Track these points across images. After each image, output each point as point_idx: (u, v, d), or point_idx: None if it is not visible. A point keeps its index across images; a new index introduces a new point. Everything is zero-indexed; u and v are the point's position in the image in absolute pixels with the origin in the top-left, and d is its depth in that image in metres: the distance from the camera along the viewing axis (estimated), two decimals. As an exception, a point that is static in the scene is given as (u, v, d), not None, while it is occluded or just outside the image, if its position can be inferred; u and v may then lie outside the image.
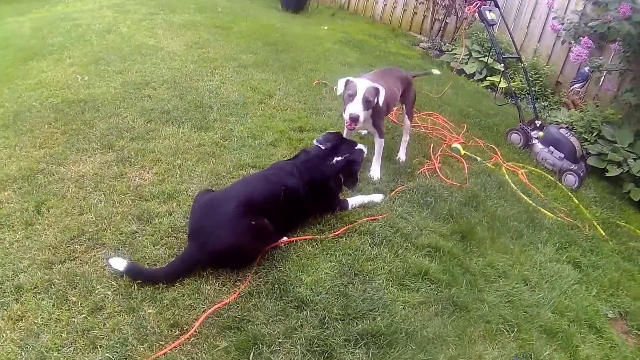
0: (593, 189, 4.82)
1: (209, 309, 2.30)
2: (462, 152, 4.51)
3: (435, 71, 5.04)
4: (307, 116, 4.50)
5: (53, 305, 2.26)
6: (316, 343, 2.24)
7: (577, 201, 4.47)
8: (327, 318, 2.37)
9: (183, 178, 3.28)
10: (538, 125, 5.30)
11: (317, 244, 2.85)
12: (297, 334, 2.26)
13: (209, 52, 5.69)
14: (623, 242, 4.09)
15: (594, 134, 5.37)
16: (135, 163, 3.39)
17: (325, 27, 8.63)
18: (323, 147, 3.04)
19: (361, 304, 2.51)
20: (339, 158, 3.01)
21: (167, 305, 2.30)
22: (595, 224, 4.17)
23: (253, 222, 2.50)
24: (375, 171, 3.73)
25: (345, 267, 2.72)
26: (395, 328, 2.43)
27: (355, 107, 3.10)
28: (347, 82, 3.25)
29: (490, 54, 7.06)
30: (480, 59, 7.52)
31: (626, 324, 3.21)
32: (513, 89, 6.15)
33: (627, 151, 4.95)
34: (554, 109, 6.64)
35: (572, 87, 6.67)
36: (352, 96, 3.14)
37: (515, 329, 2.74)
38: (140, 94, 4.40)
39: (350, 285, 2.62)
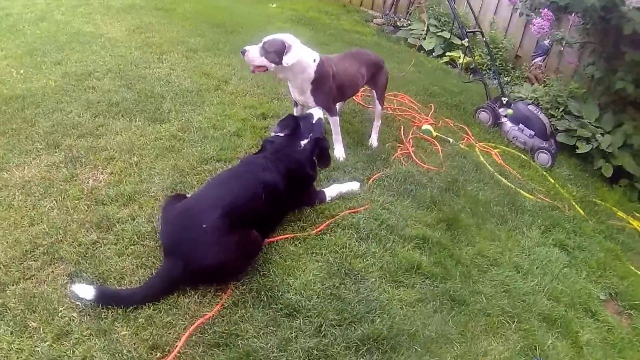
0: (566, 166, 5.01)
1: (191, 325, 2.12)
2: (434, 133, 4.52)
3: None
4: (268, 102, 4.33)
5: (11, 334, 2.00)
6: (315, 354, 2.10)
7: (552, 180, 4.62)
8: (323, 325, 2.24)
9: (142, 177, 3.04)
10: (505, 102, 5.43)
11: (299, 243, 2.70)
12: (292, 346, 2.12)
13: (154, 36, 5.41)
14: (602, 220, 4.27)
15: (561, 110, 5.56)
16: (86, 163, 3.11)
17: (274, 5, 8.45)
18: (283, 135, 2.92)
19: (357, 307, 2.40)
20: (306, 140, 2.90)
21: (143, 324, 2.08)
22: (574, 203, 4.34)
23: (241, 236, 2.33)
24: (338, 151, 3.69)
25: (334, 266, 2.60)
26: (396, 330, 2.35)
27: (250, 46, 3.17)
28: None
29: (451, 27, 7.21)
30: (438, 34, 7.60)
31: (617, 304, 3.34)
32: (477, 65, 6.32)
33: (594, 126, 5.18)
34: (517, 84, 6.84)
35: (533, 61, 6.94)
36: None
37: (516, 320, 2.76)
38: (84, 86, 4.06)
39: (342, 286, 2.51)
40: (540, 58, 6.83)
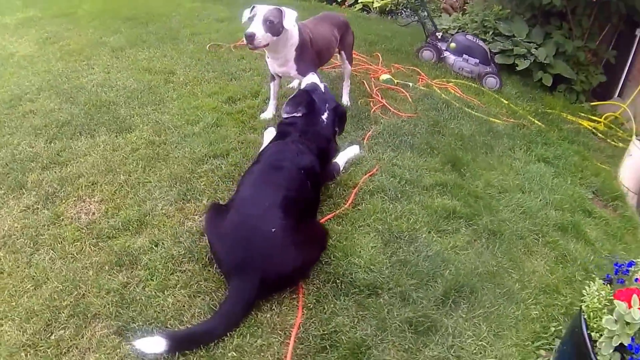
0: (510, 85, 5.39)
1: (288, 340, 2.02)
2: (395, 81, 4.64)
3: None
4: (227, 84, 4.13)
5: None
6: (415, 322, 2.18)
7: (505, 101, 4.97)
8: (406, 292, 2.31)
9: (141, 196, 2.77)
10: (440, 37, 5.67)
11: (342, 220, 2.72)
12: (391, 322, 2.16)
13: (69, 44, 4.96)
14: (560, 127, 4.72)
15: (490, 33, 5.93)
16: (66, 197, 2.74)
17: None
18: (301, 114, 2.82)
19: (424, 265, 2.49)
20: (326, 114, 2.84)
21: (236, 357, 1.94)
22: (531, 118, 4.73)
23: (309, 229, 2.27)
24: None
25: (385, 233, 2.65)
26: (464, 275, 2.48)
27: (253, 27, 3.05)
28: (252, 8, 3.19)
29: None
30: None
31: (601, 199, 3.77)
32: (392, 6, 6.47)
33: (527, 42, 5.60)
34: (435, 16, 7.15)
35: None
36: (252, 18, 3.11)
37: (540, 236, 3.02)
38: (20, 112, 3.58)
39: (401, 250, 2.57)
40: (451, -14, 7.13)
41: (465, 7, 6.74)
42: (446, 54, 5.40)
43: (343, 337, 2.06)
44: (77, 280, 2.24)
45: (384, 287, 2.33)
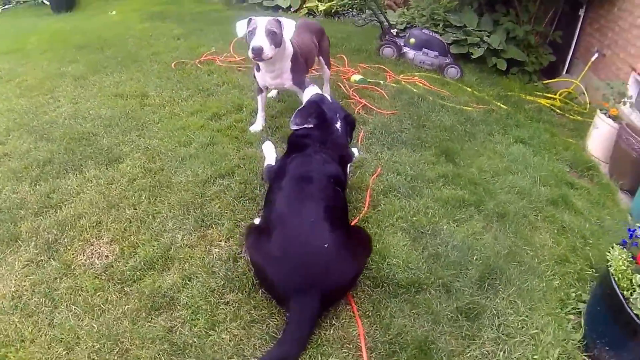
0: (469, 73, 5.68)
1: (360, 351, 2.05)
2: (368, 79, 4.77)
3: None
4: (206, 101, 4.09)
5: None
6: (466, 310, 2.29)
7: (469, 89, 5.25)
8: (447, 284, 2.43)
9: (155, 229, 2.67)
10: (395, 33, 5.88)
11: (367, 224, 2.78)
12: (444, 314, 2.25)
13: (26, 79, 4.77)
14: (523, 108, 5.05)
15: (441, 25, 6.22)
16: (70, 243, 2.56)
17: (114, 12, 8.12)
18: (312, 125, 2.76)
19: (454, 254, 2.61)
20: (339, 123, 2.89)
21: None
22: (495, 102, 5.02)
23: (355, 237, 2.28)
24: None
25: (410, 231, 2.74)
26: (492, 259, 2.63)
27: (258, 39, 3.02)
28: (249, 21, 3.14)
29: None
30: None
31: (576, 171, 4.08)
32: (337, 8, 6.63)
33: (478, 31, 5.93)
34: (381, 13, 7.36)
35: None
36: (253, 31, 3.07)
37: (538, 212, 3.24)
38: None
39: (429, 244, 2.67)
40: (393, -17, 7.38)
41: (410, 2, 6.99)
42: (405, 49, 5.61)
43: (407, 338, 2.13)
44: (113, 334, 2.08)
45: (426, 282, 2.42)
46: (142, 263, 2.44)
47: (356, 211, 2.88)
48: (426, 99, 4.58)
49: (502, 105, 4.91)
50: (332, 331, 2.15)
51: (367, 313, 2.24)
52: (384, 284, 2.38)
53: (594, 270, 2.75)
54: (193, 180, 3.09)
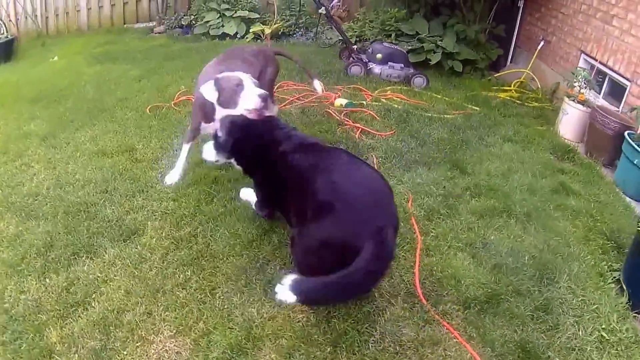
0: (432, 80, 6.13)
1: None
2: (354, 102, 5.04)
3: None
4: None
5: None
6: (543, 306, 2.63)
7: (439, 96, 5.68)
8: (518, 289, 2.74)
9: (221, 307, 2.57)
10: (356, 49, 6.21)
11: (429, 251, 3.02)
12: (529, 315, 2.57)
13: None
14: (491, 106, 5.54)
15: (393, 35, 6.63)
16: (124, 346, 2.37)
17: (56, 58, 7.84)
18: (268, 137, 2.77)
19: (509, 260, 2.90)
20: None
21: None
22: (466, 105, 5.48)
23: None
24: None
25: (466, 249, 3.01)
26: (539, 256, 2.99)
27: (256, 90, 2.99)
28: (216, 80, 3.07)
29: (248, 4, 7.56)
30: (234, 15, 7.84)
31: (557, 157, 4.59)
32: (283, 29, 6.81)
33: (430, 37, 6.38)
34: (328, 29, 7.69)
35: (332, 4, 7.79)
36: (240, 86, 3.01)
37: (549, 203, 3.64)
38: None
39: (486, 257, 2.93)
40: (335, 1, 7.71)
41: (356, 15, 7.34)
42: (371, 65, 5.93)
43: (511, 345, 2.40)
44: None
45: (501, 292, 2.72)
46: (229, 351, 2.29)
47: (408, 242, 3.09)
48: (412, 113, 4.93)
49: (474, 107, 5.37)
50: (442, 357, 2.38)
51: (471, 335, 2.51)
52: (471, 305, 2.66)
53: (612, 242, 3.24)
54: (238, 242, 2.96)
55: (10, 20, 9.23)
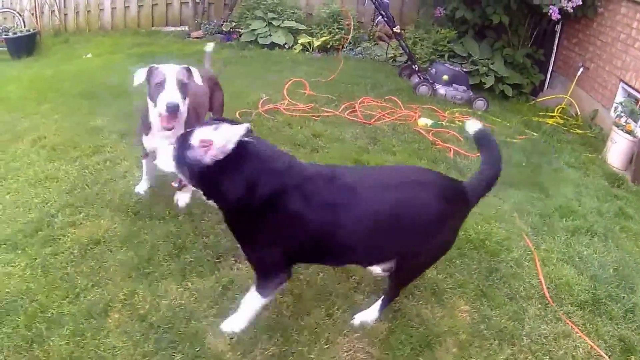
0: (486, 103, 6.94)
1: None
2: (440, 122, 5.76)
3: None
4: (323, 159, 4.81)
5: None
6: (633, 309, 3.44)
7: (498, 119, 6.49)
8: (612, 295, 3.45)
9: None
10: (416, 69, 6.96)
11: (542, 262, 3.88)
12: (627, 316, 3.35)
13: (44, 135, 4.68)
14: (545, 131, 6.42)
15: (446, 56, 7.41)
16: None
17: (89, 55, 8.12)
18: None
19: (600, 271, 3.73)
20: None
21: None
22: (525, 129, 6.34)
23: None
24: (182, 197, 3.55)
25: (569, 261, 3.81)
26: (620, 268, 3.78)
27: (171, 94, 2.73)
28: (150, 70, 2.86)
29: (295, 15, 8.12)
30: (281, 25, 8.39)
31: (610, 184, 5.42)
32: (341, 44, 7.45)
33: (482, 59, 7.19)
34: (374, 45, 8.40)
35: (376, 21, 8.49)
36: (161, 83, 2.77)
37: (617, 226, 4.50)
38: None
39: (585, 269, 3.73)
40: (380, 16, 8.38)
41: (402, 33, 8.00)
42: (437, 85, 6.69)
43: (615, 340, 3.08)
44: None
45: (601, 296, 3.40)
46: (418, 347, 2.76)
47: (528, 254, 3.88)
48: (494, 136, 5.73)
49: (532, 132, 6.22)
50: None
51: (589, 330, 3.22)
52: (583, 306, 3.36)
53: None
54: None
55: (32, 14, 9.41)
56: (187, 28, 9.27)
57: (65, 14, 9.61)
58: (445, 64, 6.83)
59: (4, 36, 8.74)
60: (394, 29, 6.75)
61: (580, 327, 3.23)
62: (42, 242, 3.25)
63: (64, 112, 5.31)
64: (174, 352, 2.50)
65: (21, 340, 2.53)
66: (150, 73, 2.85)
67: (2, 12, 9.57)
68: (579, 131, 6.69)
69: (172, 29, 9.47)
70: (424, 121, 5.64)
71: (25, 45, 8.81)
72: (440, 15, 7.71)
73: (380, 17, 8.18)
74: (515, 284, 3.45)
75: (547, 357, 2.92)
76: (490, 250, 3.73)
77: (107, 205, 3.63)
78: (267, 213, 2.17)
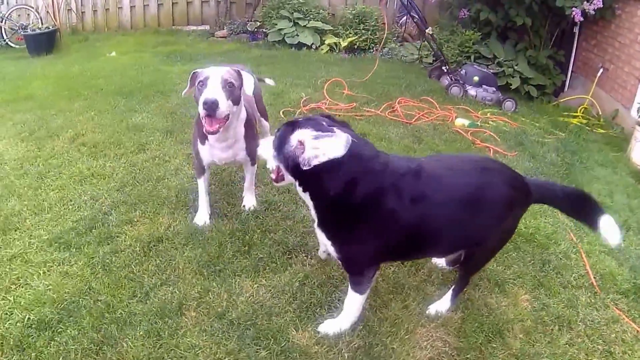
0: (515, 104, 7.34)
1: None
2: (476, 122, 6.10)
3: (270, 82, 4.77)
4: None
5: None
6: None
7: (527, 119, 6.88)
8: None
9: None
10: (448, 71, 7.36)
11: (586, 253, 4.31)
12: None
13: (81, 132, 4.82)
14: (571, 131, 6.84)
15: (472, 58, 7.82)
16: None
17: (113, 53, 8.34)
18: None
19: (637, 263, 4.25)
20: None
21: None
22: (552, 130, 6.75)
23: None
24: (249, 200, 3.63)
25: (609, 254, 4.20)
26: None
27: (211, 91, 2.59)
28: (195, 74, 2.80)
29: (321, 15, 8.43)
30: (307, 25, 8.71)
31: (637, 181, 5.90)
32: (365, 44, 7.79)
33: (506, 61, 7.60)
34: (400, 45, 8.78)
35: (400, 22, 8.86)
36: (204, 82, 2.66)
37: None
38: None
39: (623, 260, 4.22)
40: (406, 17, 8.76)
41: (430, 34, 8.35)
42: (467, 86, 7.09)
43: None
44: None
45: None
46: (490, 334, 3.04)
47: (574, 246, 4.31)
48: (520, 135, 6.15)
49: (559, 132, 6.64)
50: None
51: (634, 316, 3.58)
52: (627, 294, 3.71)
53: None
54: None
55: (48, 12, 9.60)
56: (208, 27, 9.50)
57: (83, 12, 9.85)
58: (474, 66, 7.22)
59: (22, 33, 8.89)
60: (427, 31, 7.08)
61: (626, 314, 3.60)
62: (98, 240, 3.27)
63: (101, 109, 5.42)
64: (258, 349, 2.55)
65: (89, 342, 2.50)
66: (194, 77, 2.77)
67: (18, 8, 9.73)
68: (602, 130, 7.10)
69: (194, 28, 9.75)
70: (461, 121, 5.98)
71: (45, 43, 8.98)
72: (464, 17, 8.05)
73: (405, 17, 8.62)
74: (566, 274, 3.82)
75: (601, 340, 3.27)
76: (541, 244, 4.09)
77: (163, 203, 3.68)
78: (365, 211, 2.27)
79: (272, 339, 2.60)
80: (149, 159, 4.29)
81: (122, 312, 2.71)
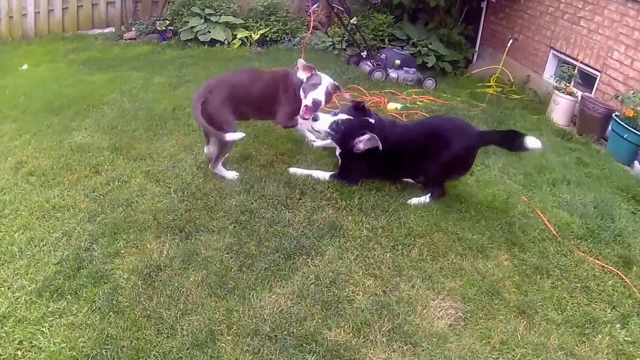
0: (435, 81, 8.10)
1: None
2: (407, 105, 6.67)
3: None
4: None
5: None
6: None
7: (448, 95, 7.66)
8: None
9: None
10: (370, 56, 7.91)
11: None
12: (607, 234, 4.69)
13: (24, 159, 4.68)
14: (489, 101, 7.67)
15: (386, 41, 8.48)
16: None
17: (25, 66, 7.91)
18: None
19: (564, 199, 5.06)
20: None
21: None
22: (475, 102, 7.57)
23: None
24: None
25: None
26: None
27: (319, 94, 4.16)
28: (312, 74, 4.28)
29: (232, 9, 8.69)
30: (218, 21, 8.85)
31: (562, 139, 6.82)
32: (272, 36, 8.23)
33: (420, 41, 8.35)
34: (311, 34, 9.24)
35: (310, 10, 9.31)
36: (316, 84, 4.18)
37: (577, 171, 5.90)
38: None
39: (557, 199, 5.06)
40: (315, 5, 9.26)
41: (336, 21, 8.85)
42: (389, 70, 7.71)
43: (616, 258, 4.26)
44: None
45: (594, 227, 4.53)
46: (485, 297, 3.64)
47: (529, 206, 5.02)
48: (449, 112, 6.85)
49: (479, 103, 7.46)
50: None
51: (597, 255, 4.35)
52: (583, 237, 4.43)
53: (628, 193, 5.40)
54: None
55: None
56: (114, 29, 9.41)
57: (-18, 22, 8.99)
58: (393, 49, 7.89)
59: None
60: (352, 21, 7.65)
61: (589, 254, 4.31)
62: (92, 281, 3.20)
63: (35, 131, 5.22)
64: (305, 355, 2.82)
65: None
66: (310, 76, 4.22)
67: None
68: (517, 96, 8.09)
69: (99, 31, 9.57)
70: (393, 105, 6.56)
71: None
72: (377, 3, 8.71)
73: (314, 6, 9.07)
74: (530, 231, 4.46)
75: (576, 279, 3.93)
76: (501, 209, 4.71)
77: (144, 228, 3.70)
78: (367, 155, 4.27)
79: (313, 343, 2.87)
80: (107, 182, 4.24)
81: (156, 354, 2.72)
